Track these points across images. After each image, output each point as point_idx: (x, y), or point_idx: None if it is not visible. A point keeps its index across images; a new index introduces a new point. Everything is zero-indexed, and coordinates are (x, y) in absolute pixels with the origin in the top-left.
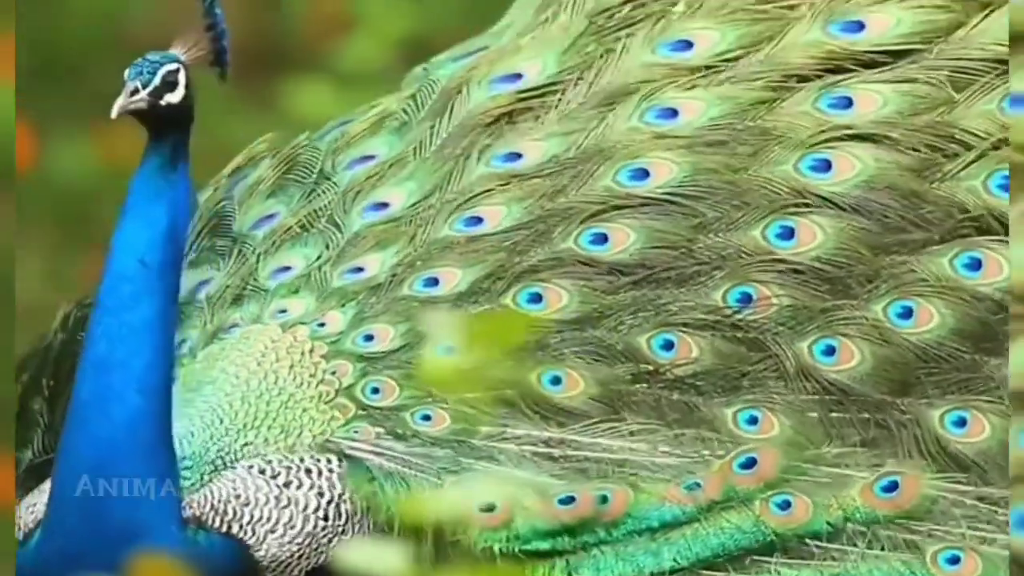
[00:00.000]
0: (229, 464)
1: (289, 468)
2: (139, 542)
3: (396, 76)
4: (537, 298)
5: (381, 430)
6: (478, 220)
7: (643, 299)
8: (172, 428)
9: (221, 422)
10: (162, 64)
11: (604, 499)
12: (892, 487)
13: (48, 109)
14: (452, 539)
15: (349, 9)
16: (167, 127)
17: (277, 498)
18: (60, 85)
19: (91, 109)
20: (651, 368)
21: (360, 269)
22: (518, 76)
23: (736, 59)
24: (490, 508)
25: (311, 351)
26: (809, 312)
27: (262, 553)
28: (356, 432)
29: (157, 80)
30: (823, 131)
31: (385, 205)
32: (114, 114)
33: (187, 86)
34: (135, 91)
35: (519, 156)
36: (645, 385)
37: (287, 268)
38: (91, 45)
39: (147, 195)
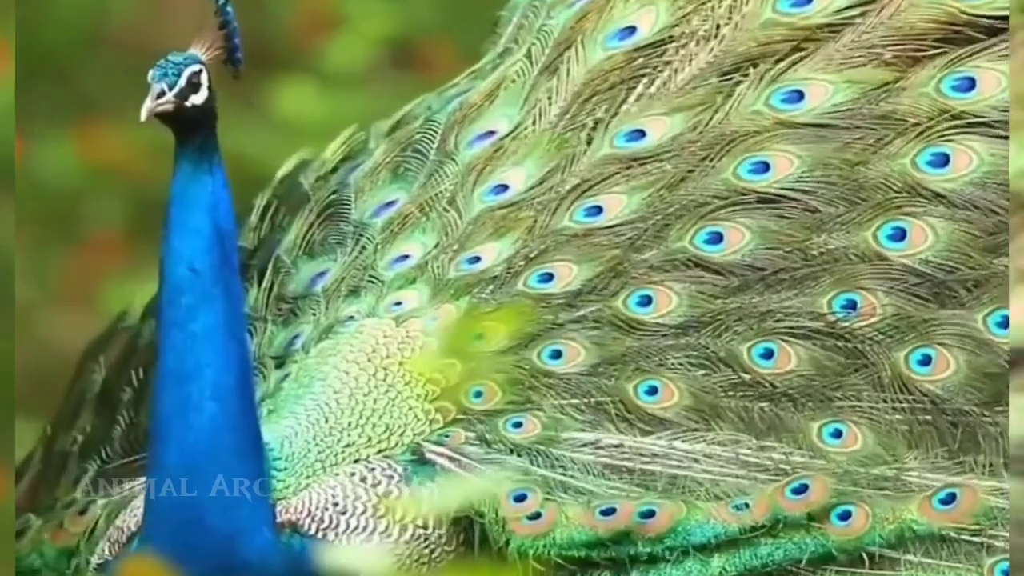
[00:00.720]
0: (329, 468)
1: (391, 477)
2: (233, 546)
3: (379, 76)
4: (647, 301)
5: (472, 435)
6: (598, 210)
7: (749, 304)
8: (257, 428)
9: (326, 421)
10: (186, 65)
11: (650, 514)
12: (950, 499)
13: (32, 108)
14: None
15: (333, 8)
16: (193, 128)
17: (375, 507)
18: (44, 84)
19: (76, 108)
20: (749, 377)
21: (477, 259)
22: (631, 30)
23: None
24: (535, 516)
25: (422, 347)
26: (911, 320)
27: None
28: (447, 437)
29: (183, 82)
30: (944, 119)
31: (504, 187)
32: (143, 117)
33: (209, 87)
34: (161, 93)
35: (642, 135)
36: (739, 395)
37: (405, 257)
38: (75, 44)
39: (186, 202)
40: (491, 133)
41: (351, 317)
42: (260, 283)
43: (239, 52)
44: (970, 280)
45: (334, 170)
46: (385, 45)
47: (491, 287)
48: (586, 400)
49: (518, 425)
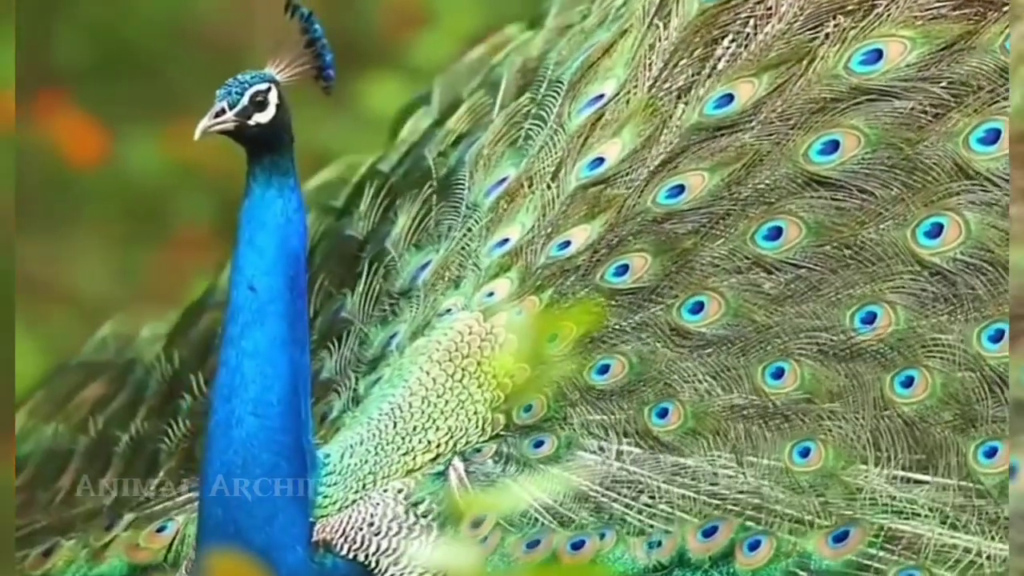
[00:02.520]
0: (380, 481)
1: (433, 494)
2: (267, 564)
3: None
4: (699, 308)
5: (500, 453)
6: (680, 190)
7: (786, 320)
8: (299, 446)
9: (394, 426)
10: (252, 84)
11: (580, 544)
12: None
13: (118, 106)
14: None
15: (421, 4)
16: (262, 147)
17: (409, 528)
18: (130, 81)
19: (162, 105)
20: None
21: (568, 243)
22: None
23: None
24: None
25: (503, 344)
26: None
27: None
28: (477, 452)
29: (245, 100)
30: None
31: (601, 161)
32: (197, 135)
33: (279, 105)
34: (221, 112)
35: (731, 99)
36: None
37: (505, 241)
38: (161, 41)
39: (252, 221)
40: (600, 97)
41: (448, 311)
42: (368, 278)
43: (331, 69)
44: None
45: (456, 143)
46: (472, 40)
47: (573, 278)
48: (607, 417)
49: (539, 444)
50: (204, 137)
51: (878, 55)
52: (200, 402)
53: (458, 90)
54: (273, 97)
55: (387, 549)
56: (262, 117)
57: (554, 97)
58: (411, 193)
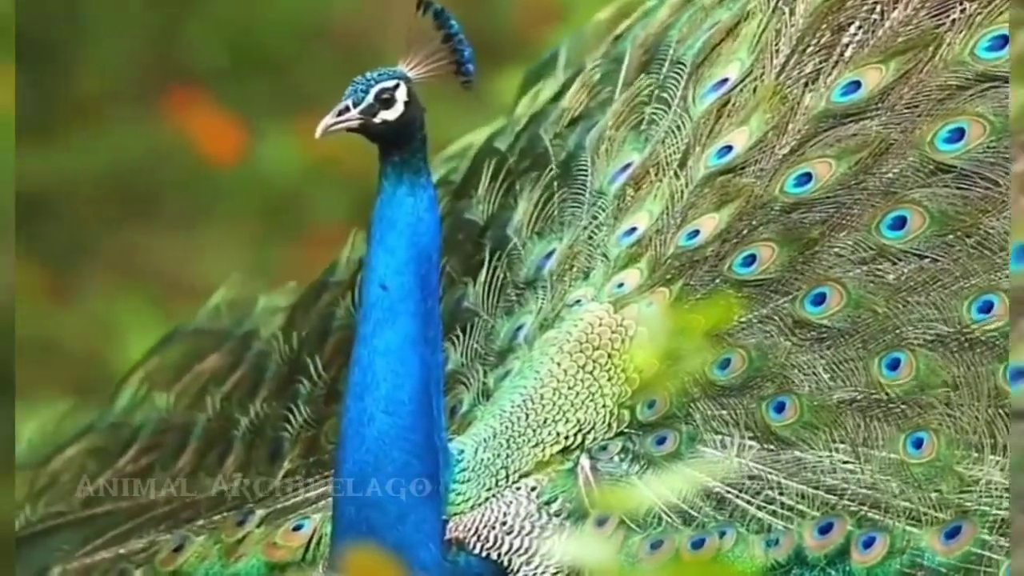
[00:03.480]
0: (511, 477)
1: (565, 492)
2: (401, 559)
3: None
4: (821, 299)
5: (626, 450)
6: (807, 178)
7: (906, 310)
8: (431, 444)
9: (526, 418)
10: (378, 81)
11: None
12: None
13: (254, 103)
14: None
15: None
16: (391, 144)
17: (542, 527)
18: (265, 79)
19: (297, 102)
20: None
21: (696, 233)
22: None
23: None
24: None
25: (633, 337)
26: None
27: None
28: (604, 449)
29: (370, 98)
30: None
31: (729, 149)
32: (318, 133)
33: (408, 102)
34: (345, 110)
35: (858, 86)
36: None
37: (633, 229)
38: (295, 38)
39: (383, 220)
40: (724, 82)
41: (578, 301)
42: (491, 267)
43: (470, 63)
44: None
45: (572, 124)
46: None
47: (702, 269)
48: (728, 412)
49: (662, 441)
50: (326, 136)
51: (1004, 41)
52: (319, 387)
53: (583, 57)
54: (401, 94)
55: (520, 548)
56: (389, 115)
57: (676, 79)
58: (530, 177)
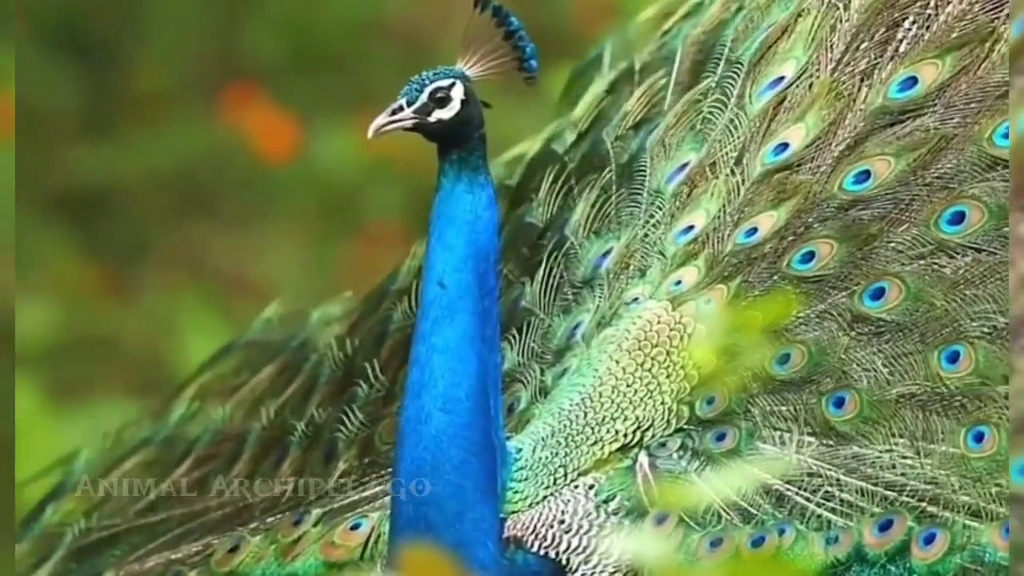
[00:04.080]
0: (569, 475)
1: (623, 490)
2: (458, 557)
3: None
4: (879, 293)
5: (685, 446)
6: (866, 176)
7: (964, 302)
8: (489, 443)
9: (584, 416)
10: (433, 80)
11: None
12: None
13: (310, 100)
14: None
15: None
16: (449, 143)
17: (600, 525)
18: (323, 76)
19: (355, 99)
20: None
21: (754, 230)
22: None
23: None
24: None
25: (691, 334)
26: None
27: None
28: (663, 446)
29: (424, 97)
30: None
31: (786, 146)
32: (370, 134)
33: (465, 101)
34: (399, 109)
35: (914, 82)
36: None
37: (690, 228)
38: (354, 36)
39: (442, 217)
40: (780, 80)
41: (635, 299)
42: (548, 267)
43: (533, 59)
44: None
45: (635, 127)
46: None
47: (760, 266)
48: (787, 408)
49: (721, 438)
50: (378, 136)
51: None
52: (376, 390)
53: (630, 54)
54: (457, 93)
55: (578, 547)
56: (444, 114)
57: (734, 78)
58: (590, 179)
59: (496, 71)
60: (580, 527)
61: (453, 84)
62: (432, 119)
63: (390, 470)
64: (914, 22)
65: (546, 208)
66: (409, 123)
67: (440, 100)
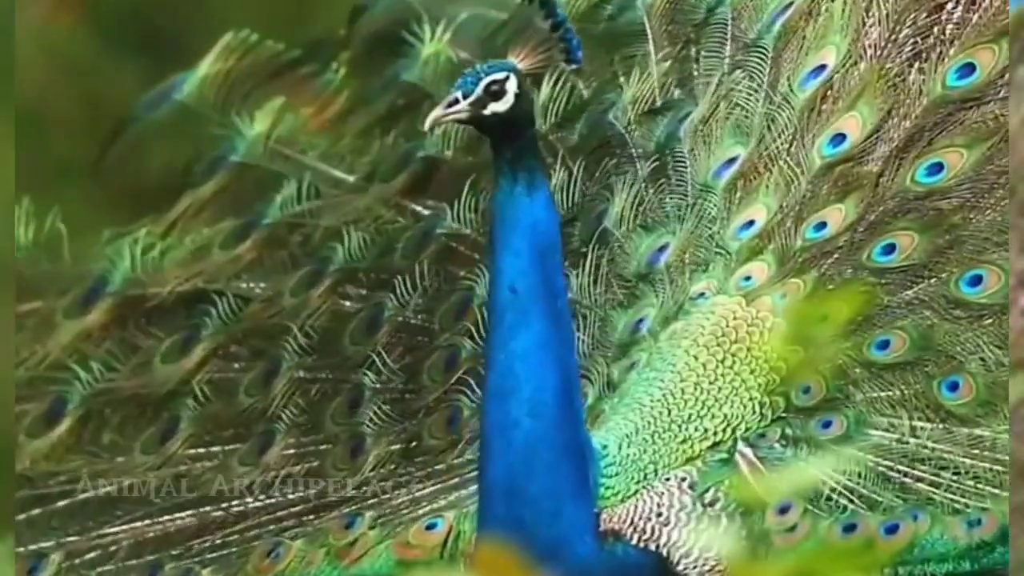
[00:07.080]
0: (661, 471)
1: (719, 482)
2: (556, 556)
3: None
4: (977, 280)
5: (786, 435)
6: (938, 168)
7: None
8: (578, 442)
9: (669, 413)
10: (488, 73)
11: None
12: None
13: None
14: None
15: None
16: (503, 138)
17: (698, 518)
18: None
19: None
20: None
21: (823, 225)
22: None
23: None
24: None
25: (771, 329)
26: None
27: (681, 568)
28: (763, 436)
29: (479, 90)
30: None
31: (843, 137)
32: (427, 126)
33: (519, 94)
34: (455, 102)
35: (972, 69)
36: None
37: (751, 223)
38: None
39: (504, 222)
40: (822, 68)
41: (702, 294)
42: (593, 260)
43: (579, 51)
44: None
45: (652, 112)
46: None
47: (836, 258)
48: (893, 393)
49: (827, 425)
50: (435, 127)
51: None
52: (384, 382)
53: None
54: (512, 86)
55: (676, 540)
56: (499, 106)
57: (760, 64)
58: (622, 170)
59: (544, 64)
60: (678, 520)
61: (508, 77)
62: (487, 112)
63: (437, 467)
64: (956, 4)
65: (566, 196)
66: (464, 115)
67: (495, 93)
